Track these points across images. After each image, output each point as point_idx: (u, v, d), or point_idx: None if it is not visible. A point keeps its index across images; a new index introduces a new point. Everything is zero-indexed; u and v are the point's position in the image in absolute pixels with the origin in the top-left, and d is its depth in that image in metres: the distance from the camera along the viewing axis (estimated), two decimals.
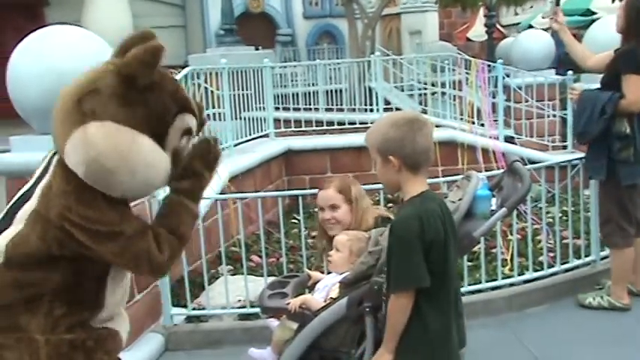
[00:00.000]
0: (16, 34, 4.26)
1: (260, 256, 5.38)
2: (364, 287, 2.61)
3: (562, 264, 4.73)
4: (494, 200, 2.65)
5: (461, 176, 2.77)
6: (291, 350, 2.67)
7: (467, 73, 8.45)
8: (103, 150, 1.81)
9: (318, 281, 2.97)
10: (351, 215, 3.07)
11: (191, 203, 2.05)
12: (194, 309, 4.35)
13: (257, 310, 4.28)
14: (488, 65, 8.66)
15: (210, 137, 2.16)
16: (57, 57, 3.43)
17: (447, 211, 2.29)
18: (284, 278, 3.03)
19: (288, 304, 2.70)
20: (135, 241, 1.89)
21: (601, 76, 4.32)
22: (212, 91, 6.65)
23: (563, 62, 9.50)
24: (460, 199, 2.62)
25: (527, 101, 8.92)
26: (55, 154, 2.01)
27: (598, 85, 4.29)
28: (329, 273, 2.93)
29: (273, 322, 3.03)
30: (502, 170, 2.83)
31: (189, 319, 4.36)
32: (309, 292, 3.04)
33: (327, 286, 2.78)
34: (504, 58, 9.41)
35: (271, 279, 4.45)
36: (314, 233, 6.21)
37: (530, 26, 15.71)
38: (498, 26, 18.89)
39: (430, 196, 2.26)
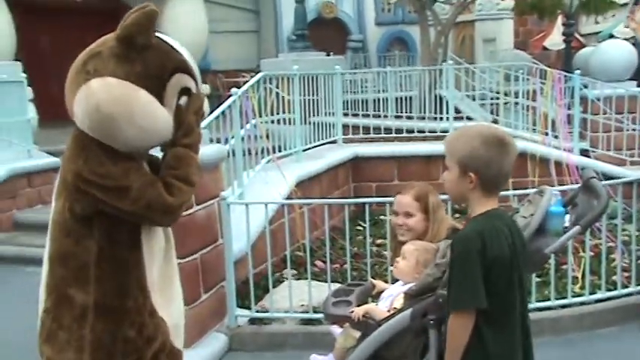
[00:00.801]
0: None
1: (324, 262, 5.40)
2: (429, 299, 2.58)
3: (637, 285, 4.53)
4: (567, 217, 2.57)
5: (533, 190, 2.70)
6: (353, 358, 2.67)
7: (542, 82, 8.22)
8: (103, 98, 2.01)
9: (382, 290, 2.95)
10: (425, 225, 3.03)
11: (195, 155, 2.21)
12: (258, 311, 4.41)
13: (319, 315, 4.30)
14: (565, 75, 8.40)
15: (202, 94, 2.28)
16: None
17: (515, 230, 2.23)
18: (348, 286, 3.02)
19: (351, 312, 2.69)
20: (145, 190, 2.04)
21: None
22: (283, 97, 6.71)
23: None
24: (532, 215, 2.55)
25: (605, 113, 8.63)
26: None
27: None
28: (394, 282, 2.91)
29: (336, 330, 3.03)
30: (576, 185, 2.73)
31: (253, 320, 4.42)
32: (373, 302, 3.03)
33: (392, 296, 2.76)
34: (583, 68, 9.13)
35: (335, 286, 4.48)
36: (379, 241, 6.22)
37: (612, 36, 15.15)
38: (577, 35, 18.29)
39: (497, 215, 2.19)
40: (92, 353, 2.06)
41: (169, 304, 2.25)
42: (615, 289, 4.49)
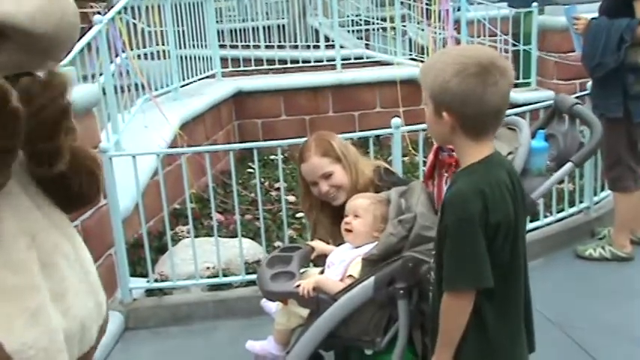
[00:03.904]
0: None
1: (220, 213, 4.83)
2: (395, 264, 2.13)
3: (558, 212, 4.37)
4: None
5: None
6: (305, 341, 2.17)
7: (427, 4, 7.90)
8: None
9: (323, 254, 2.45)
10: (346, 174, 2.54)
11: None
12: (156, 280, 3.76)
13: (230, 278, 3.76)
14: None
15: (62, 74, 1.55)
16: None
17: (516, 179, 1.76)
18: (282, 252, 2.48)
19: (297, 286, 2.17)
20: None
21: (596, 4, 3.89)
22: (153, 27, 5.84)
23: None
24: (511, 153, 2.13)
25: (480, 35, 8.46)
26: None
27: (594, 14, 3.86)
28: (339, 245, 2.40)
29: (268, 305, 2.51)
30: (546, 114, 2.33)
31: (151, 292, 3.77)
32: (313, 266, 2.53)
33: (344, 262, 2.26)
34: None
35: (247, 242, 3.92)
36: (277, 185, 5.70)
37: None
38: None
39: (497, 162, 1.71)
40: None
41: (14, 318, 1.46)
42: (538, 219, 4.28)
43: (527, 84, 7.86)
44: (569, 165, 2.08)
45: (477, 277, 1.64)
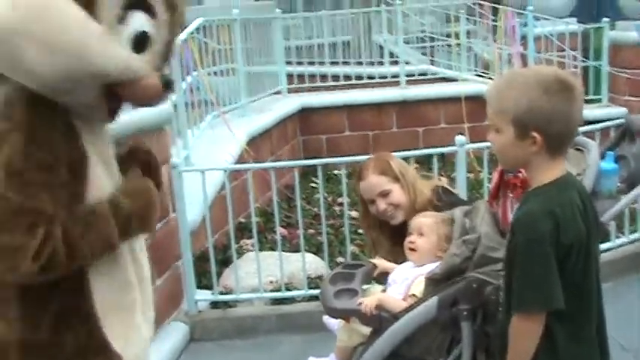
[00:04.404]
0: None
1: (284, 227, 4.89)
2: (459, 285, 2.11)
3: (630, 233, 4.23)
4: None
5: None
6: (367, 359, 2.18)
7: (494, 21, 7.81)
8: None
9: (385, 272, 2.46)
10: (404, 193, 2.56)
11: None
12: (221, 293, 3.84)
13: (293, 293, 3.80)
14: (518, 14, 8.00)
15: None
16: None
17: (588, 200, 1.74)
18: (345, 268, 2.50)
19: (360, 304, 2.19)
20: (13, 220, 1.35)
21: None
22: (223, 46, 6.00)
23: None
24: (579, 175, 2.10)
25: (547, 50, 8.30)
26: None
27: None
28: (401, 263, 2.41)
29: (331, 322, 2.53)
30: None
31: (215, 304, 3.85)
32: (376, 284, 2.53)
33: (407, 280, 2.26)
34: (516, 6, 8.78)
35: (309, 257, 3.96)
36: (340, 200, 5.73)
37: None
38: None
39: (568, 183, 1.70)
40: None
41: (130, 330, 1.61)
42: (609, 240, 4.16)
43: (598, 100, 7.66)
44: None
45: (548, 299, 1.63)
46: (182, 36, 5.00)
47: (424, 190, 2.59)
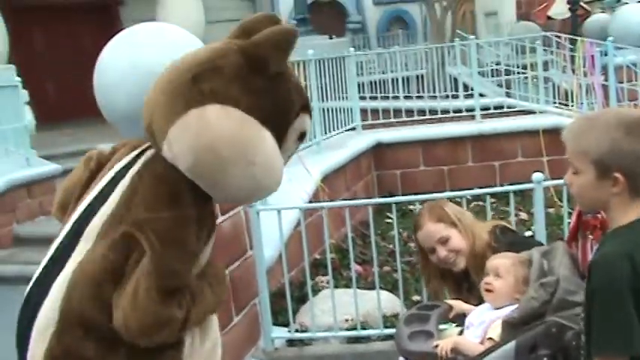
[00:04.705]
0: (93, 35, 3.81)
1: (359, 264, 4.90)
2: (538, 329, 2.06)
3: None
4: None
5: None
6: None
7: (571, 50, 7.66)
8: (223, 136, 1.50)
9: (461, 314, 2.43)
10: (463, 238, 2.54)
11: None
12: (297, 330, 3.87)
13: (369, 332, 3.80)
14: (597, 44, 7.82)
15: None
16: (148, 56, 2.91)
17: None
18: (420, 309, 2.49)
19: (435, 346, 2.17)
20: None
21: None
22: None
23: None
24: None
25: (630, 80, 8.04)
26: (135, 158, 1.64)
27: None
28: (478, 304, 2.38)
29: None
30: None
31: (291, 342, 3.89)
32: (454, 326, 2.51)
33: (484, 323, 2.23)
34: (596, 35, 8.57)
35: (383, 294, 3.94)
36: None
37: (619, 0, 14.70)
38: (581, 3, 17.78)
39: None
40: None
41: None
42: None
43: None
44: None
45: (627, 344, 1.58)
46: None
47: (482, 234, 2.57)
